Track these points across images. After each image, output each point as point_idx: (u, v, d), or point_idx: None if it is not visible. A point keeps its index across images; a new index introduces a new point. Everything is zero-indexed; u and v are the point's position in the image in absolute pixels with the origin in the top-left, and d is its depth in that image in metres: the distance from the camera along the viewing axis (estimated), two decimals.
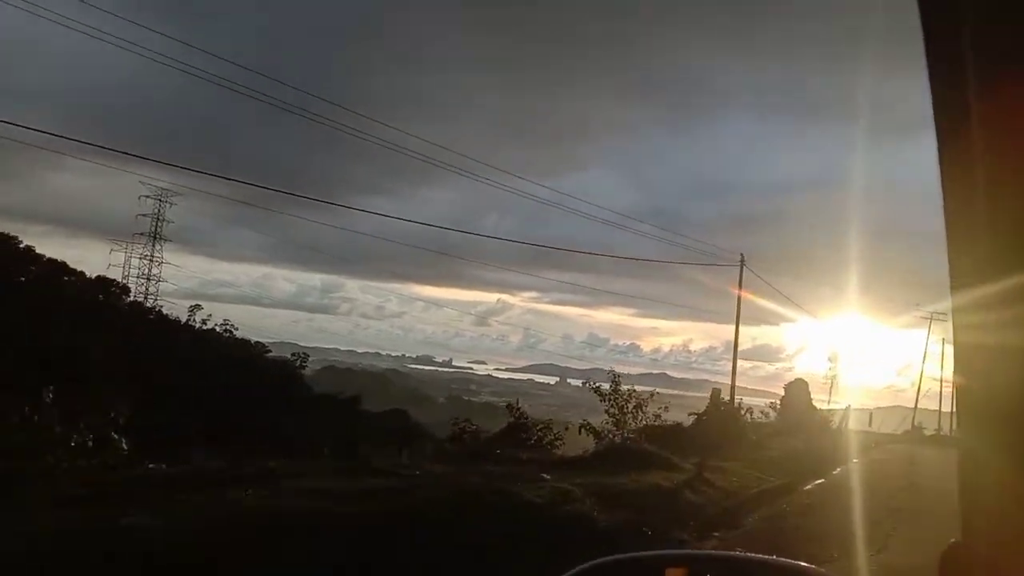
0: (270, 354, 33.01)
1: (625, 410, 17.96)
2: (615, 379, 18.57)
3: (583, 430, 17.65)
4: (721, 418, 23.73)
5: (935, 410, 47.82)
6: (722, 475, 14.39)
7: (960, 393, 0.88)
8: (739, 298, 31.62)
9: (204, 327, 30.57)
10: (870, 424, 38.62)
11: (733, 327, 31.49)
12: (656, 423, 18.64)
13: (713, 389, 27.95)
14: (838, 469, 18.51)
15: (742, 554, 1.94)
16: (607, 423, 17.90)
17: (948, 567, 0.94)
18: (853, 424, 34.67)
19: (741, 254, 32.04)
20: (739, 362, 32.07)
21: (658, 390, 26.00)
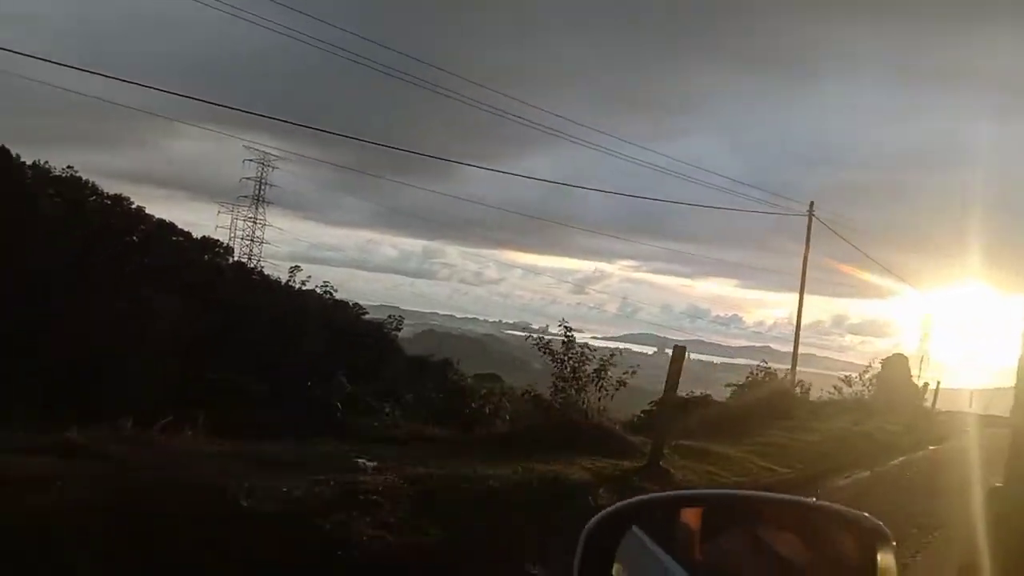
0: (366, 316, 33.54)
1: (579, 374, 12.80)
2: (567, 334, 13.39)
3: (526, 395, 14.36)
4: (766, 392, 20.70)
5: None
6: (704, 463, 11.30)
7: None
8: (805, 257, 29.86)
9: (303, 288, 31.24)
10: (970, 404, 35.61)
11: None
12: (617, 390, 12.97)
13: (759, 364, 24.15)
14: (899, 459, 15.58)
15: (756, 493, 1.98)
16: (553, 390, 12.97)
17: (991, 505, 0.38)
18: (963, 405, 32.41)
19: (811, 202, 30.05)
20: (848, 337, 30.70)
21: (758, 360, 24.97)
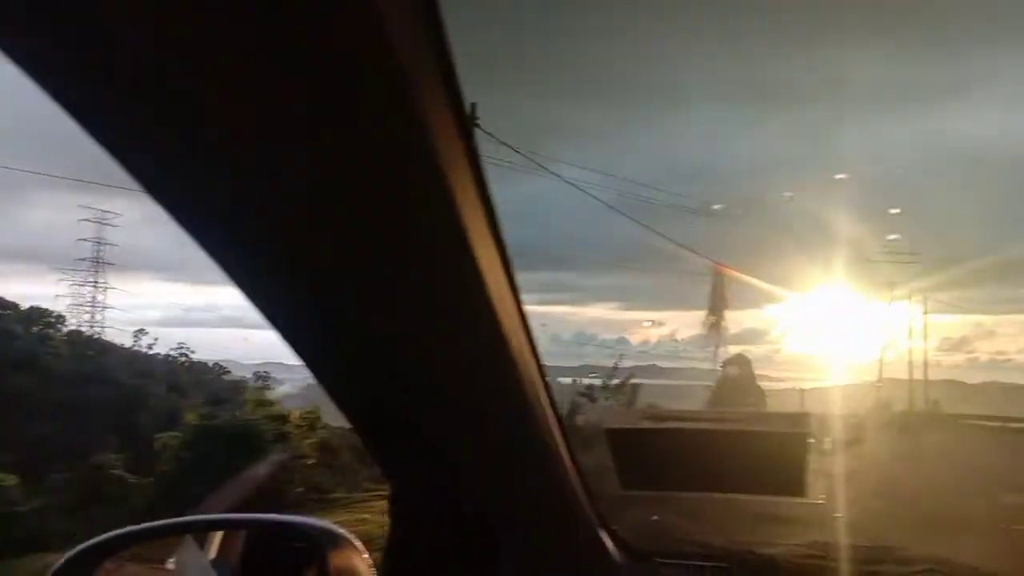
0: (227, 375, 30.96)
1: None
2: None
3: None
4: None
5: (919, 380, 44.36)
6: None
7: None
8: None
9: (149, 352, 28.40)
10: (799, 404, 35.27)
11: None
12: None
13: None
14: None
15: (239, 516, 2.47)
16: None
17: None
18: (815, 404, 32.30)
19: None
20: (728, 347, 30.70)
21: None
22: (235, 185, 0.89)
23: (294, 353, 1.18)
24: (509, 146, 21.12)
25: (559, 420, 1.62)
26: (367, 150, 0.86)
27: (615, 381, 20.68)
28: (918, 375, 42.82)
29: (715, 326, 32.04)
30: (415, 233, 0.99)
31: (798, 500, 2.52)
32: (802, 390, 33.60)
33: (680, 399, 27.72)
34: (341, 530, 2.01)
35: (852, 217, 34.37)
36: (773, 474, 2.45)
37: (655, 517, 2.88)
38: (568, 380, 23.85)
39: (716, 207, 32.47)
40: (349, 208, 0.93)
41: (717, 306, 32.15)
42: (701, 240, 32.37)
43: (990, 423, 37.20)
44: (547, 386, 1.49)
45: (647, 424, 2.49)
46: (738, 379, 28.22)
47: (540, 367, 1.43)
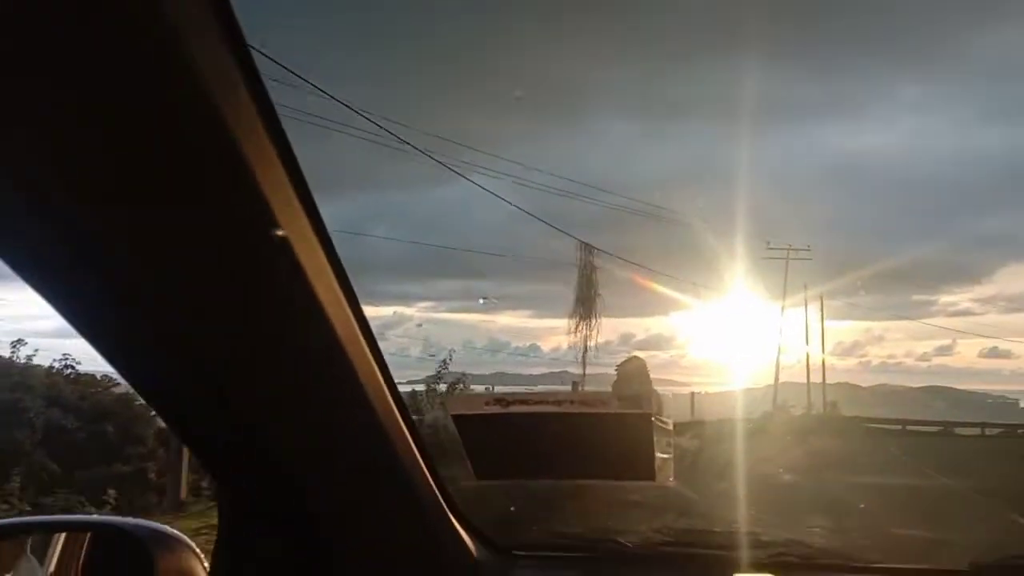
0: (116, 387, 29.48)
1: None
2: None
3: None
4: None
5: (817, 383, 46.13)
6: None
7: None
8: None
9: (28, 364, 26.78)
10: (691, 410, 35.71)
11: (625, 320, 30.47)
12: None
13: None
14: None
15: (77, 517, 2.26)
16: None
17: None
18: (718, 408, 32.87)
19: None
20: (637, 353, 30.93)
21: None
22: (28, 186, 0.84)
23: (114, 369, 1.15)
24: (427, 153, 21.05)
25: (407, 418, 1.58)
26: (169, 145, 0.84)
27: (443, 386, 19.84)
28: (815, 378, 44.58)
29: (580, 328, 31.65)
30: (233, 239, 0.97)
31: (652, 484, 2.48)
32: (704, 393, 34.50)
33: None
34: (175, 532, 2.02)
35: (747, 223, 35.65)
36: (623, 457, 2.44)
37: (512, 508, 2.82)
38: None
39: (623, 214, 33.09)
40: (161, 212, 0.90)
41: (583, 307, 31.85)
42: (610, 248, 32.91)
43: (889, 426, 39.09)
44: (392, 387, 1.47)
45: (493, 409, 2.40)
46: (632, 383, 28.09)
47: (383, 370, 1.42)
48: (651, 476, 2.44)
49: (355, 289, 1.30)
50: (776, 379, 42.39)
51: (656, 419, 2.12)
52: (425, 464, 1.67)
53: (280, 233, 0.99)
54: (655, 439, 2.26)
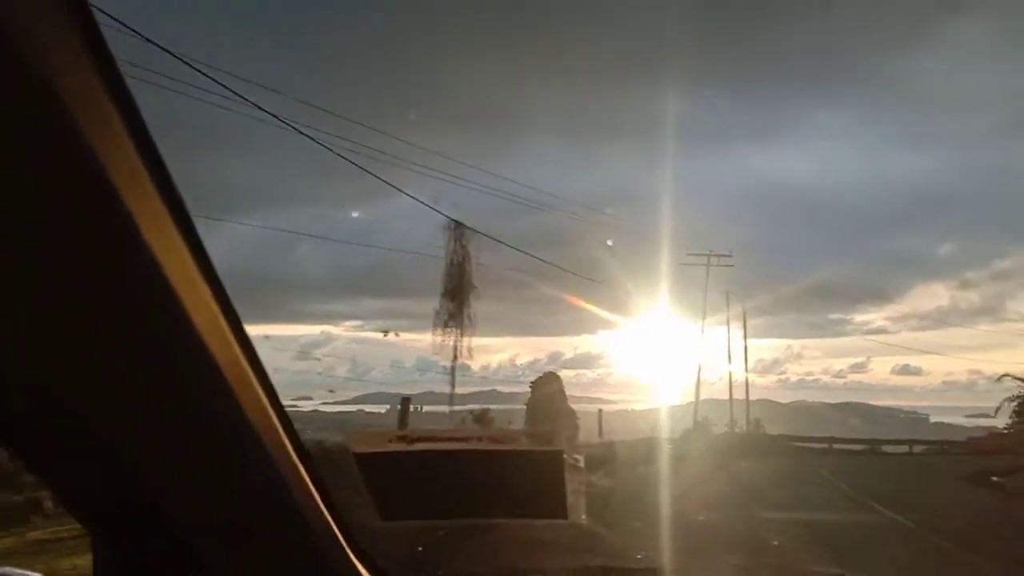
0: None
1: None
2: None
3: None
4: None
5: (740, 399, 45.54)
6: None
7: None
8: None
9: None
10: (600, 433, 34.29)
11: (555, 339, 30.36)
12: None
13: None
14: None
15: None
16: None
17: None
18: (641, 427, 32.26)
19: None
20: (563, 372, 30.72)
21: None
22: None
23: None
24: (365, 169, 20.73)
25: (300, 451, 1.45)
26: (27, 163, 0.81)
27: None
28: (737, 395, 45.38)
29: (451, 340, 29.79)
30: (96, 259, 0.93)
31: (564, 522, 2.40)
32: (630, 411, 34.67)
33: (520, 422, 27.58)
34: (21, 572, 1.87)
35: (672, 241, 36.36)
36: (534, 495, 2.36)
37: (420, 548, 2.69)
38: None
39: (549, 233, 33.23)
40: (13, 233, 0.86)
41: (452, 317, 29.68)
42: (538, 268, 33.00)
43: (816, 444, 39.36)
44: (282, 416, 1.38)
45: (398, 447, 2.27)
46: (547, 400, 25.81)
47: (270, 396, 1.33)
48: (563, 514, 2.35)
49: (237, 309, 1.20)
50: (697, 396, 42.79)
51: (567, 456, 2.03)
52: (323, 501, 1.56)
53: (148, 249, 0.95)
54: (567, 476, 2.16)
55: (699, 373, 43.19)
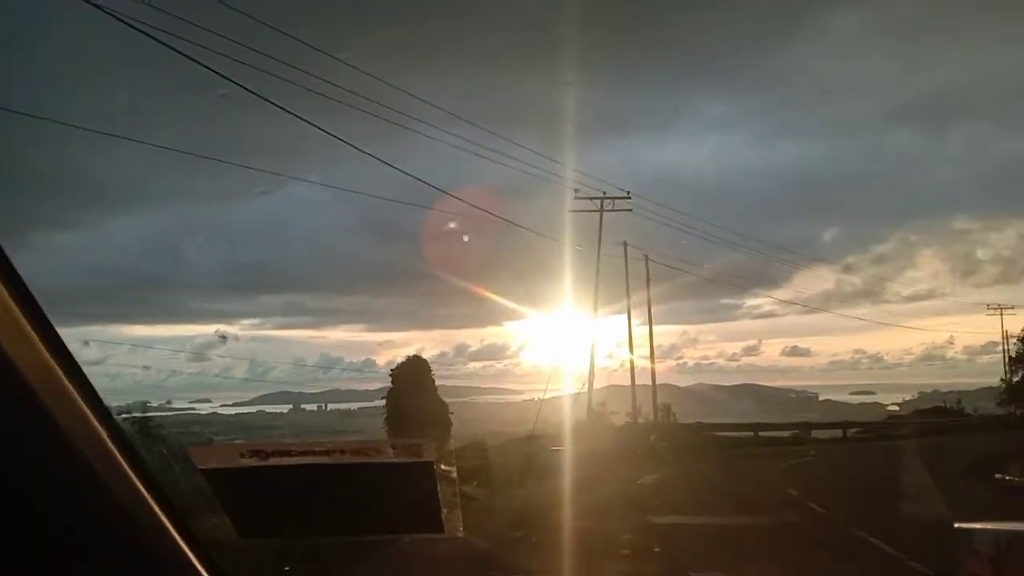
0: None
1: None
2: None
3: None
4: None
5: (646, 384, 44.44)
6: None
7: None
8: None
9: None
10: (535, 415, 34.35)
11: (462, 331, 30.26)
12: None
13: None
14: None
15: None
16: None
17: None
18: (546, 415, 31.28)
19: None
20: (471, 364, 30.38)
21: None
22: None
23: None
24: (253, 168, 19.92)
25: (133, 459, 1.31)
26: None
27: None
28: (641, 380, 45.86)
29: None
30: None
31: (441, 535, 2.22)
32: (536, 400, 34.72)
33: None
34: None
35: (571, 230, 36.72)
36: (406, 509, 2.19)
37: (287, 568, 2.48)
38: None
39: (451, 225, 33.02)
40: None
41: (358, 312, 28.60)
42: (442, 260, 32.81)
43: (741, 433, 38.28)
44: (107, 422, 1.26)
45: (250, 462, 2.05)
46: (410, 392, 22.03)
47: (92, 403, 1.20)
48: (439, 528, 2.17)
49: (47, 314, 1.12)
50: (590, 384, 38.60)
51: (439, 467, 1.87)
52: (169, 519, 1.42)
53: None
54: (439, 488, 2.00)
55: (592, 356, 39.50)
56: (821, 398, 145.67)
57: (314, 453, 2.11)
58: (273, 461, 2.07)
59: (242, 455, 2.08)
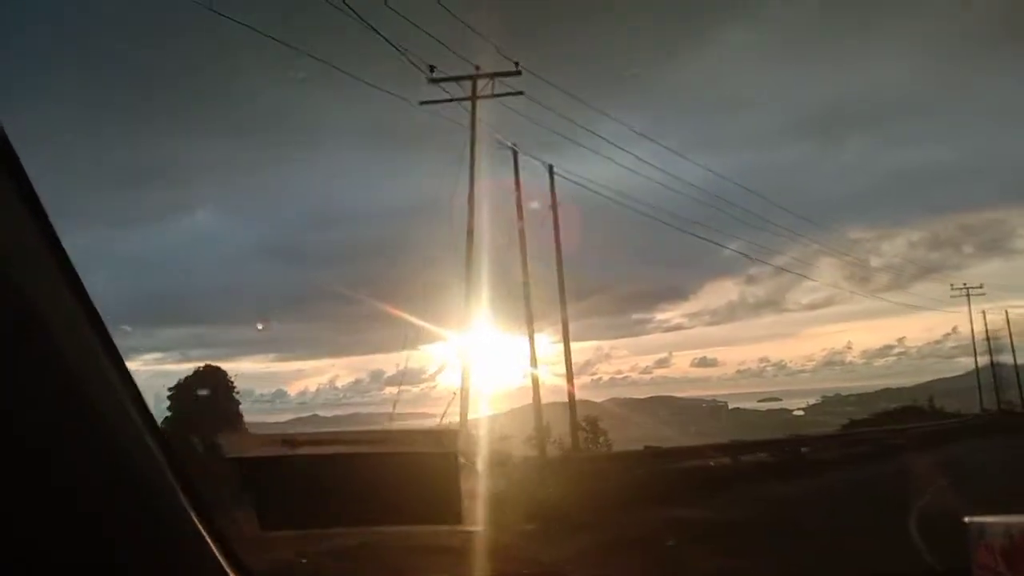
0: None
1: None
2: None
3: None
4: None
5: (561, 402, 42.74)
6: None
7: None
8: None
9: None
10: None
11: (376, 357, 29.00)
12: None
13: None
14: None
15: None
16: None
17: None
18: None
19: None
20: (387, 389, 28.90)
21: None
22: None
23: None
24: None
25: (171, 457, 1.37)
26: None
27: None
28: (555, 398, 45.49)
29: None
30: None
31: (454, 529, 2.31)
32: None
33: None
34: None
35: (483, 245, 36.68)
36: (424, 501, 2.27)
37: (304, 560, 2.51)
38: None
39: (366, 244, 32.24)
40: None
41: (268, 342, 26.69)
42: (352, 280, 32.34)
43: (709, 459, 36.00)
44: (149, 421, 1.32)
45: (281, 451, 2.13)
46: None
47: (132, 391, 1.26)
48: (458, 520, 2.28)
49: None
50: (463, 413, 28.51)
51: (463, 458, 1.94)
52: (196, 512, 1.46)
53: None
54: (462, 480, 2.05)
55: (465, 375, 25.13)
56: (731, 406, 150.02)
57: (342, 442, 2.18)
58: (303, 450, 2.14)
59: (273, 443, 2.13)
